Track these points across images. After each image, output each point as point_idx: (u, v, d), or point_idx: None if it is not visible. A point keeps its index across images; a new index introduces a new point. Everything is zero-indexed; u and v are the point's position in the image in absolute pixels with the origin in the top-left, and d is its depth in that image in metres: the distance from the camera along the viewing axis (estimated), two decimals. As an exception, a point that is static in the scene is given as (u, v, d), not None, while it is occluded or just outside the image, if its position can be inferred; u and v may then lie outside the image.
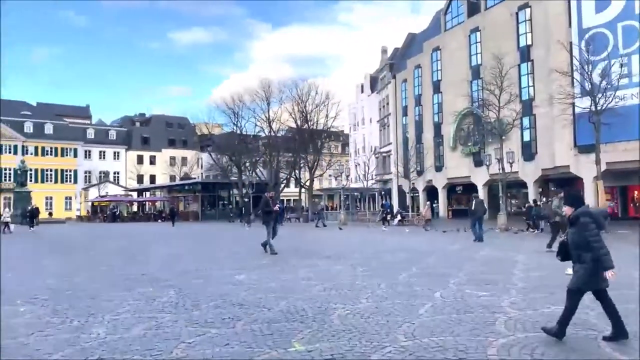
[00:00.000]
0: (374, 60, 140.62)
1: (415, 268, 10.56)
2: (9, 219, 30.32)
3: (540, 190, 34.20)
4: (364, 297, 7.41)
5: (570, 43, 29.12)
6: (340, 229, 28.01)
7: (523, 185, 35.88)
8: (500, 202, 28.16)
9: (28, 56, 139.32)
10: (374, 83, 60.79)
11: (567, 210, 5.11)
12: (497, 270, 10.14)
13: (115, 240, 22.27)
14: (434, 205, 43.02)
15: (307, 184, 49.59)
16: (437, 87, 44.28)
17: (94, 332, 5.57)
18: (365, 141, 60.98)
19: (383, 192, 53.34)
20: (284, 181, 53.59)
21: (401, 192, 48.86)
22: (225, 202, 59.28)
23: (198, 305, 7.00)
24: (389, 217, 32.61)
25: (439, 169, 43.68)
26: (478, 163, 39.08)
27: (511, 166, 27.28)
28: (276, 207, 14.25)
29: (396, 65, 54.67)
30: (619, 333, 4.81)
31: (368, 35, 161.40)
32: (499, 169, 27.89)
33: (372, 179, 44.18)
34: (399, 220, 31.83)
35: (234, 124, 52.40)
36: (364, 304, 6.94)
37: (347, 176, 42.45)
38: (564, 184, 32.90)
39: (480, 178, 38.43)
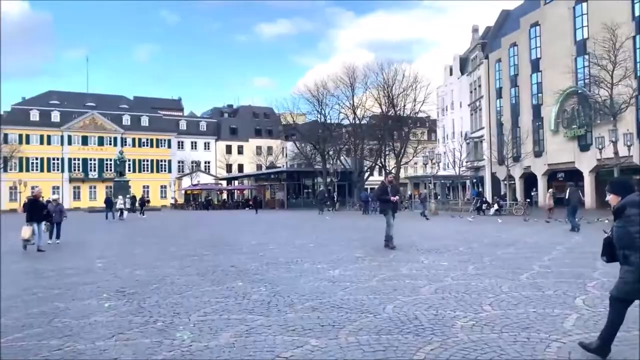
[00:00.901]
0: (462, 42, 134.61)
1: (537, 266, 9.06)
2: (122, 206, 31.95)
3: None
4: (487, 302, 6.17)
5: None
6: (427, 218, 26.30)
7: (637, 171, 32.01)
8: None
9: (128, 54, 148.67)
10: (464, 64, 57.48)
11: (611, 199, 4.24)
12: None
13: (206, 228, 22.41)
14: (533, 193, 39.90)
15: (393, 171, 48.04)
16: (535, 66, 40.78)
17: (177, 338, 4.85)
18: (455, 126, 58.02)
19: (475, 180, 50.47)
20: (368, 169, 52.35)
21: (495, 180, 45.85)
22: (310, 190, 59.27)
23: (292, 305, 6.15)
24: (484, 206, 30.49)
25: (538, 154, 40.31)
26: (584, 147, 35.52)
27: (629, 149, 24.15)
28: (395, 197, 12.33)
29: (489, 44, 51.21)
30: (603, 348, 4.03)
31: (455, 16, 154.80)
32: (613, 153, 24.82)
33: (462, 166, 41.67)
34: (496, 210, 29.55)
35: (317, 111, 51.91)
36: (489, 311, 5.72)
37: (438, 163, 40.30)
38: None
39: (586, 164, 34.90)
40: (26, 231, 13.04)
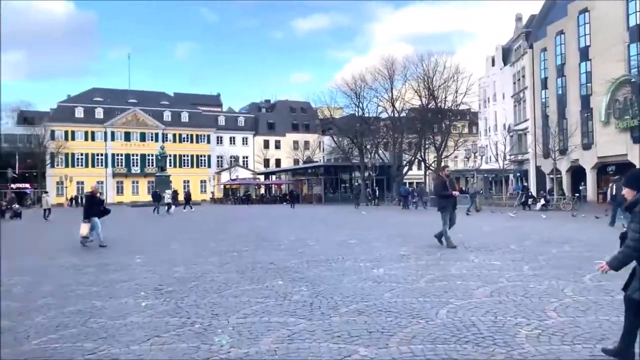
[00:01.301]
0: (504, 32, 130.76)
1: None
2: (170, 200, 32.47)
3: None
4: (550, 307, 5.61)
5: None
6: (468, 214, 25.11)
7: (698, 164, 30.07)
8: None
9: (169, 52, 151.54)
10: (507, 55, 55.57)
11: (626, 193, 3.96)
12: None
13: (244, 222, 22.30)
14: (581, 187, 38.20)
15: (434, 165, 46.99)
16: (584, 54, 38.86)
17: (216, 343, 4.54)
18: (498, 118, 56.25)
19: (518, 174, 48.80)
20: (407, 164, 51.40)
21: (539, 174, 44.14)
22: (347, 185, 58.84)
23: (336, 308, 5.75)
24: (529, 201, 29.30)
25: (587, 146, 38.47)
26: (637, 139, 33.62)
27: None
28: (456, 192, 11.50)
29: (533, 33, 49.25)
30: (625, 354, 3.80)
31: (495, 6, 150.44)
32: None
33: (505, 159, 40.24)
34: (542, 205, 28.32)
35: (355, 105, 51.24)
36: (554, 318, 5.17)
37: (482, 156, 39.03)
38: None
39: (640, 156, 33.05)
40: (84, 228, 12.89)
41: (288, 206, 42.00)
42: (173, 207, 32.30)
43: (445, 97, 45.38)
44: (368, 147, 52.07)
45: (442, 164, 41.86)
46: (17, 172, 67.47)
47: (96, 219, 13.13)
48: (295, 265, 9.04)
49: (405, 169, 50.38)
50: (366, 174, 50.06)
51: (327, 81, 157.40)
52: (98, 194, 14.44)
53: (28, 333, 5.01)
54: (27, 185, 67.59)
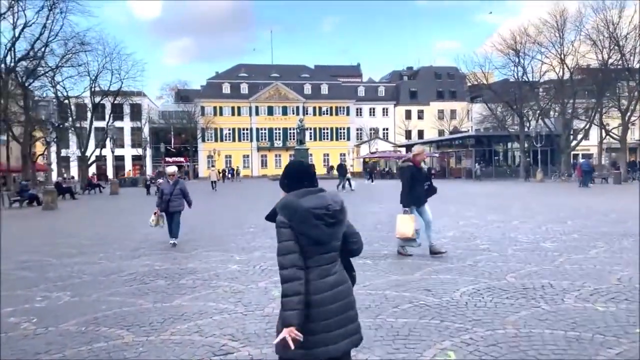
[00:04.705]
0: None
1: None
2: (350, 175, 29.93)
3: None
4: None
5: None
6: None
7: None
8: None
9: (314, 26, 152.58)
10: None
11: None
12: None
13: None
14: None
15: (617, 133, 38.71)
16: None
17: None
18: None
19: None
20: (581, 132, 43.37)
21: None
22: (499, 157, 52.32)
23: None
24: None
25: None
26: None
27: None
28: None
29: None
30: None
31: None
32: None
33: None
34: None
35: (515, 65, 44.28)
36: None
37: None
38: None
39: None
40: (409, 223, 7.55)
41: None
42: (354, 182, 29.10)
43: (635, 48, 36.48)
44: (529, 113, 45.03)
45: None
46: (173, 147, 72.50)
47: (425, 208, 7.72)
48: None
49: (580, 138, 42.47)
50: (526, 144, 43.38)
51: (476, 45, 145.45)
52: (422, 164, 8.16)
53: None
54: (182, 159, 72.00)
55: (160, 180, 33.45)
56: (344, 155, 73.32)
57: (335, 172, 31.99)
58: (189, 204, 9.65)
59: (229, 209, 18.25)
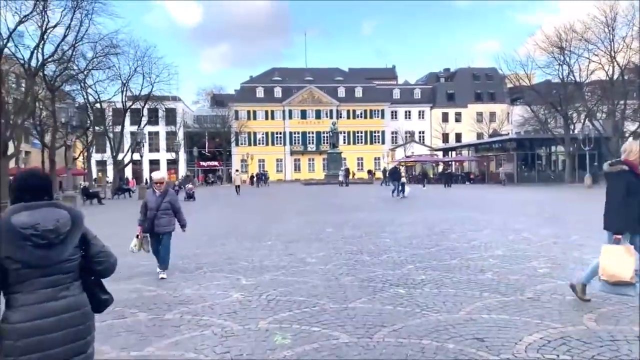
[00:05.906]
0: None
1: None
2: (405, 180, 28.27)
3: None
4: None
5: None
6: None
7: None
8: None
9: (354, 29, 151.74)
10: None
11: None
12: None
13: (457, 208, 17.30)
14: None
15: (674, 135, 35.79)
16: None
17: None
18: None
19: None
20: (632, 134, 40.40)
21: None
22: (541, 162, 49.77)
23: None
24: None
25: None
26: None
27: None
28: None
29: None
30: None
31: None
32: None
33: None
34: None
35: (559, 64, 41.78)
36: None
37: None
38: None
39: None
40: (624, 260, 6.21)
41: (475, 186, 35.65)
42: (408, 188, 26.71)
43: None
44: (574, 115, 42.40)
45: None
46: (207, 151, 72.52)
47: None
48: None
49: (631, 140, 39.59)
50: (571, 148, 40.82)
51: (516, 46, 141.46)
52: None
53: None
54: (216, 163, 71.92)
55: (190, 185, 32.31)
56: (379, 159, 71.56)
57: (383, 176, 30.85)
58: (182, 225, 7.37)
59: (251, 217, 17.11)
